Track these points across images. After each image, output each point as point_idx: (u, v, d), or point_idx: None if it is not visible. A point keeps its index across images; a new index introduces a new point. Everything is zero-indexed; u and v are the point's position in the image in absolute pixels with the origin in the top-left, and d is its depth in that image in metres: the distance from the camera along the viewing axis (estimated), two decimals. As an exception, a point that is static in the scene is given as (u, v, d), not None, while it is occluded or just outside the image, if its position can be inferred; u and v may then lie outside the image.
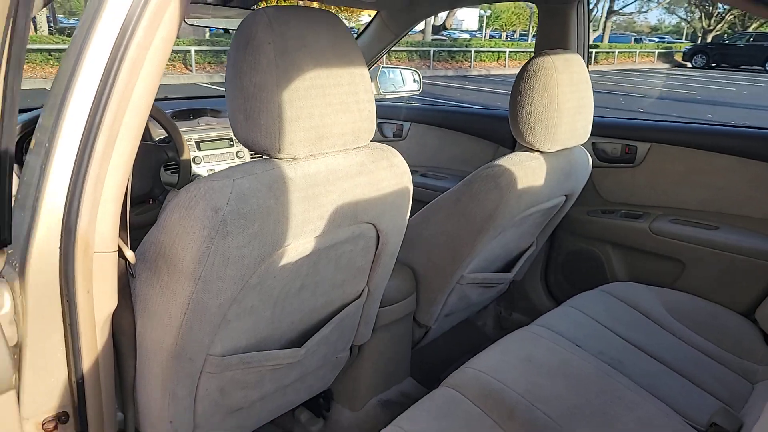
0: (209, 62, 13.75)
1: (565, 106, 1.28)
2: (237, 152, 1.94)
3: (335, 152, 0.94)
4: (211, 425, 1.10)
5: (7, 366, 0.77)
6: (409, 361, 1.60)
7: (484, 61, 18.87)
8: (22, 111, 1.38)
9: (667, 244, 1.66)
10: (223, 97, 2.18)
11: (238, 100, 0.84)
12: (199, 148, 1.83)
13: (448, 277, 1.43)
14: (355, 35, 2.22)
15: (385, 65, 2.43)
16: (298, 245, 0.93)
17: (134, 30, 0.74)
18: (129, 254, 0.86)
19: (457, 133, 2.18)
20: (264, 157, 0.88)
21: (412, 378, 1.60)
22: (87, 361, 0.85)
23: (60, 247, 0.77)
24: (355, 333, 1.30)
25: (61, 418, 0.86)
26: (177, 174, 1.67)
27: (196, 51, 13.41)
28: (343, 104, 0.89)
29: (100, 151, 0.76)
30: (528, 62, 1.29)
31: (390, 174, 1.03)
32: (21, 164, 1.34)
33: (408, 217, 1.15)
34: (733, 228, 1.58)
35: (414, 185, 2.15)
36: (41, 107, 0.85)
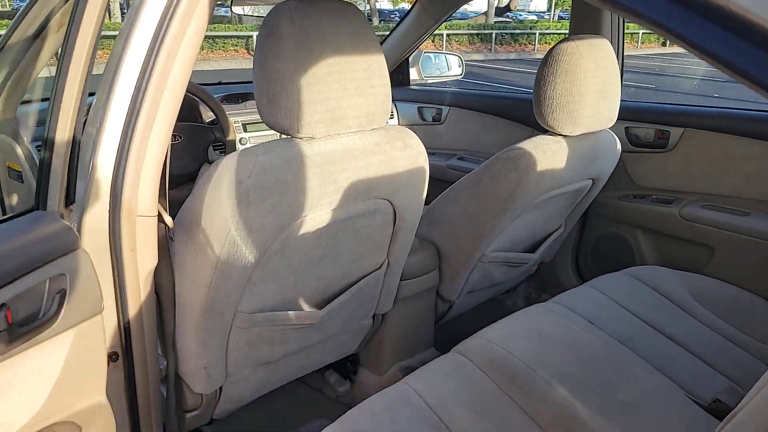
0: (270, 47, 14.11)
1: (589, 90, 1.30)
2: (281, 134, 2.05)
3: (351, 133, 1.03)
4: (241, 376, 1.23)
5: (98, 290, 0.93)
6: (433, 333, 1.68)
7: (549, 43, 18.26)
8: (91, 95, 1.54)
9: (696, 229, 1.65)
10: None
11: (263, 84, 0.94)
12: (245, 130, 1.97)
13: (470, 254, 1.49)
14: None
15: (427, 50, 2.48)
16: (316, 216, 1.03)
17: (169, 23, 0.86)
18: (168, 219, 1.00)
19: (495, 118, 2.21)
20: (284, 136, 0.99)
21: (435, 348, 1.68)
22: (132, 310, 0.99)
23: (108, 211, 0.91)
24: (376, 302, 1.40)
25: (112, 356, 1.01)
26: (224, 154, 1.81)
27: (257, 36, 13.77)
28: (357, 89, 0.98)
29: (141, 127, 0.89)
30: (552, 47, 1.32)
31: (404, 154, 1.10)
32: None
33: (425, 195, 1.22)
34: (765, 214, 1.56)
35: (450, 168, 2.22)
36: None
